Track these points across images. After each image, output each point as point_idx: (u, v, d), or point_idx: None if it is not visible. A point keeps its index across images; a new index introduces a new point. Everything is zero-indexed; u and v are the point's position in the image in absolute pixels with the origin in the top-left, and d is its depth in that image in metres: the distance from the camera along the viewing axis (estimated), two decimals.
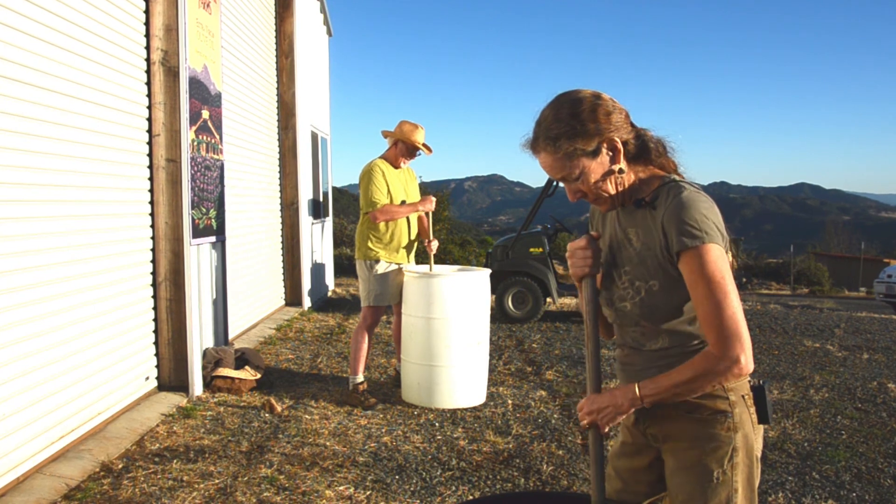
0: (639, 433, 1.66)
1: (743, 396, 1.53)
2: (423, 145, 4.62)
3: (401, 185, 4.62)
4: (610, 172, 1.52)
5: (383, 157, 4.64)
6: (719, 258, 1.41)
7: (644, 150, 1.55)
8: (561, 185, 1.59)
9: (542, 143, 1.51)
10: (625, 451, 1.71)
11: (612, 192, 1.54)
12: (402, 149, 4.60)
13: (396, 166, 4.63)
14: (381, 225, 4.50)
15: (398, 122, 4.63)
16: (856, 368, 5.82)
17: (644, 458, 1.67)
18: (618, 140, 1.50)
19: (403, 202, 4.58)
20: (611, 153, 1.51)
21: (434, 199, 4.69)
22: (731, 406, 1.51)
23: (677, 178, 1.55)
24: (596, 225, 1.74)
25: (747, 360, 1.39)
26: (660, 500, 1.67)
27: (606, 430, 1.54)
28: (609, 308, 1.64)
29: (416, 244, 4.77)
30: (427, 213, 4.72)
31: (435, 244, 4.74)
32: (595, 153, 1.49)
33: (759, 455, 1.57)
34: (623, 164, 1.52)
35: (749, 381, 1.56)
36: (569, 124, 1.47)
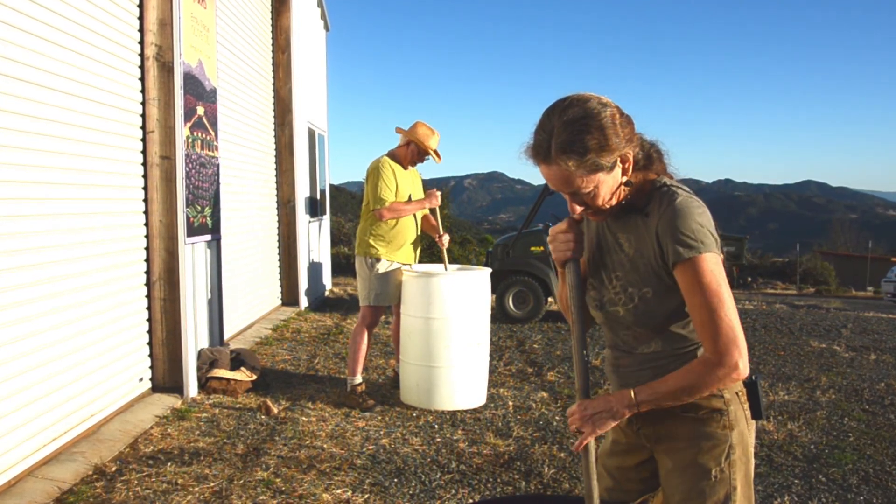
0: (631, 433, 1.66)
1: (737, 393, 1.54)
2: (434, 152, 4.53)
3: (409, 185, 4.53)
4: (618, 186, 1.48)
5: (392, 154, 4.55)
6: (715, 266, 1.42)
7: (647, 160, 1.53)
8: (549, 187, 1.53)
9: (555, 154, 1.41)
10: (615, 450, 1.71)
11: (614, 204, 1.50)
12: (414, 151, 4.50)
13: (404, 167, 4.54)
14: (385, 222, 4.42)
15: (414, 123, 4.52)
16: (863, 369, 5.77)
17: (635, 457, 1.67)
18: (631, 154, 1.46)
19: (410, 198, 4.51)
20: (622, 167, 1.46)
21: (439, 192, 4.58)
22: (725, 404, 1.52)
23: (667, 181, 1.53)
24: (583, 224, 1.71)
25: (745, 365, 1.41)
26: (651, 498, 1.68)
27: (595, 436, 1.51)
28: (598, 311, 1.62)
29: (420, 244, 4.69)
30: (433, 210, 4.64)
31: (446, 238, 4.65)
32: (611, 168, 1.44)
33: (753, 451, 1.58)
34: (630, 178, 1.49)
35: None
36: (594, 137, 1.39)
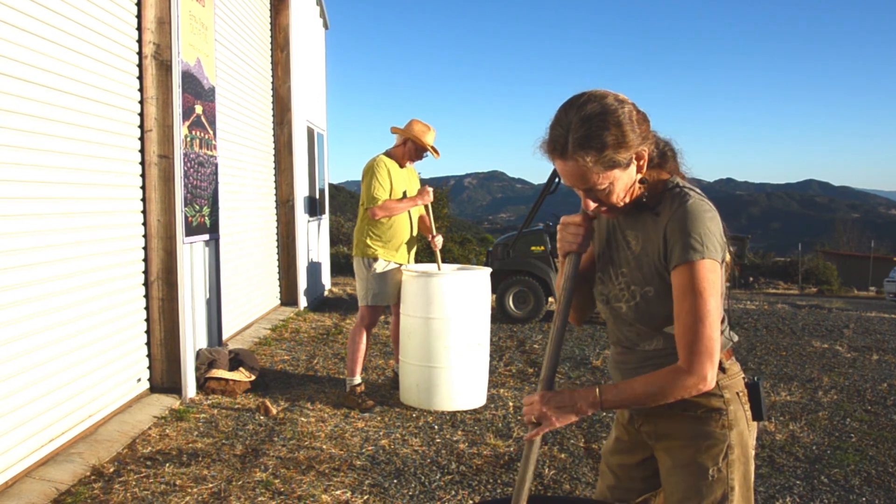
0: (633, 430, 1.66)
1: (738, 394, 1.54)
2: (432, 148, 4.50)
3: (405, 184, 4.50)
4: (632, 184, 1.48)
5: (389, 153, 4.52)
6: (712, 274, 1.41)
7: (661, 158, 1.52)
8: (563, 183, 1.52)
9: (573, 150, 1.40)
10: (618, 448, 1.71)
11: (628, 201, 1.50)
12: (411, 149, 4.48)
13: (402, 165, 4.52)
14: (381, 222, 4.40)
15: (409, 121, 4.49)
16: (865, 370, 5.75)
17: (637, 455, 1.67)
18: (646, 151, 1.45)
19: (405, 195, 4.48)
20: (637, 164, 1.46)
21: (431, 189, 4.55)
22: (725, 404, 1.52)
23: (680, 181, 1.52)
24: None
25: (713, 378, 1.42)
26: (653, 497, 1.67)
27: (551, 429, 1.50)
28: (604, 306, 1.62)
29: (416, 243, 4.67)
30: (427, 207, 4.61)
31: (439, 239, 4.63)
32: (627, 165, 1.44)
33: (753, 453, 1.58)
34: (644, 175, 1.49)
35: (744, 378, 1.57)
36: (612, 134, 1.38)
